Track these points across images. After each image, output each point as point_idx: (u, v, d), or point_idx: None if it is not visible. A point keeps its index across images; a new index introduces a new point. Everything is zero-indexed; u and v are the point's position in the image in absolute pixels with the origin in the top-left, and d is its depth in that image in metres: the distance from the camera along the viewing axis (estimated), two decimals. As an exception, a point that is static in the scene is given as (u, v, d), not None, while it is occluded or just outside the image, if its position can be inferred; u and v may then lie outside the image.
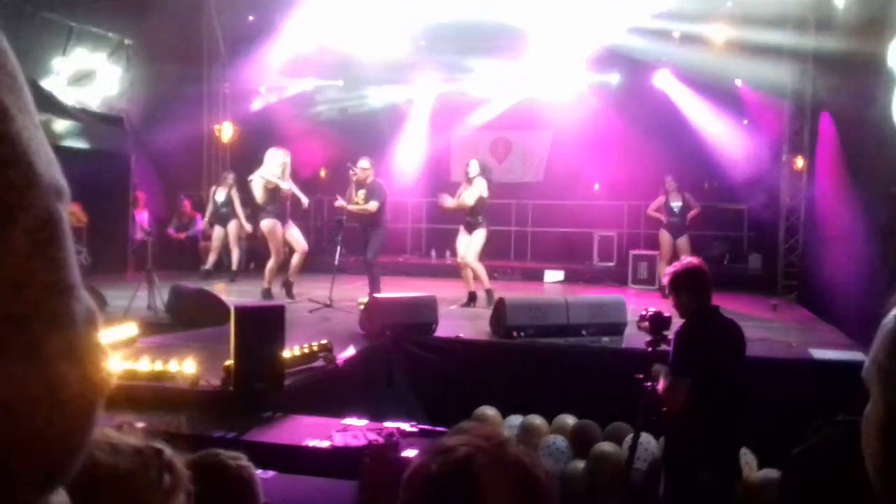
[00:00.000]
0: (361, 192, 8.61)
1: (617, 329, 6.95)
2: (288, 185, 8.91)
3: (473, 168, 8.79)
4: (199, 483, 1.15)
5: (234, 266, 11.06)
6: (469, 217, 8.79)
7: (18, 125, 0.58)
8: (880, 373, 0.75)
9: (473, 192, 8.69)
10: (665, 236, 10.41)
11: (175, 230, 12.50)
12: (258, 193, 8.82)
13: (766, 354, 6.01)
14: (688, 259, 4.18)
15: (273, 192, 8.78)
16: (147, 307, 7.30)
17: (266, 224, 8.95)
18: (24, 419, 0.54)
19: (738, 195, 12.80)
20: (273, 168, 8.84)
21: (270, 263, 9.02)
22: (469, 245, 8.76)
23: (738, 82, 12.38)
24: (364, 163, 8.74)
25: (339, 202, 8.87)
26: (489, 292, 8.62)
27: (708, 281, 3.89)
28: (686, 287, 3.85)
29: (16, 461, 0.54)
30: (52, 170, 0.60)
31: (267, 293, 8.91)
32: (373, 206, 8.55)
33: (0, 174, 0.56)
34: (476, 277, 8.83)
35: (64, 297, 0.59)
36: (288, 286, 8.96)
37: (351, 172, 8.71)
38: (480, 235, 8.77)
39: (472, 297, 8.82)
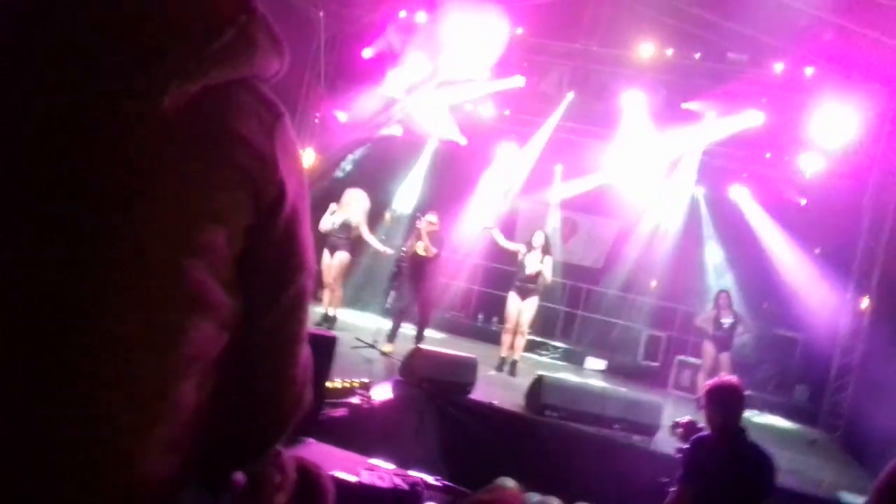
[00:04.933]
0: (421, 244, 8.79)
1: (649, 430, 6.91)
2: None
3: (538, 239, 9.00)
4: None
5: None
6: (530, 284, 9.02)
7: (305, 229, 0.91)
8: None
9: (548, 266, 9.01)
10: (709, 348, 10.19)
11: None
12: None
13: (793, 487, 5.91)
14: (728, 377, 4.24)
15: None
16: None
17: None
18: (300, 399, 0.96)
19: (794, 322, 12.56)
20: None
21: (339, 291, 9.38)
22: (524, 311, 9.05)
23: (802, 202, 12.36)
24: (432, 217, 8.94)
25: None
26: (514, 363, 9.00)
27: (739, 403, 3.93)
28: (716, 403, 3.91)
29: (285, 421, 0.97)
30: (312, 256, 0.93)
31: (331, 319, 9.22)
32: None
33: (287, 261, 0.88)
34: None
35: (300, 345, 0.94)
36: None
37: (417, 222, 8.92)
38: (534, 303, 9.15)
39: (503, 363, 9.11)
